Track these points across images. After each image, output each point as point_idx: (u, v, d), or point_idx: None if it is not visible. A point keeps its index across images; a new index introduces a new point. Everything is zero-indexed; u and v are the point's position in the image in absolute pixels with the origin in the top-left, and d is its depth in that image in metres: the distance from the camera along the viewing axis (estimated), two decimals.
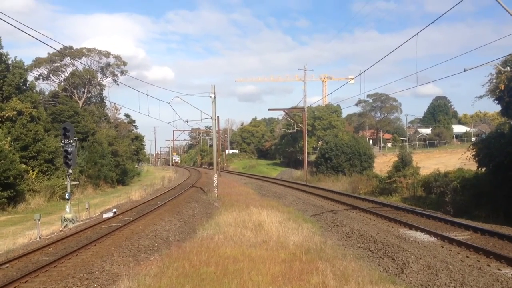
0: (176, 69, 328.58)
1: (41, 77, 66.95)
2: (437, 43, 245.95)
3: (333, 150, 58.29)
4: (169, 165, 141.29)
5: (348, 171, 55.05)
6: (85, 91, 68.01)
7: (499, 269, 12.14)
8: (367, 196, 35.63)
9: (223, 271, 11.57)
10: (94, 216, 26.47)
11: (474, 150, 27.80)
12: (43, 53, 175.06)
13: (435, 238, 16.78)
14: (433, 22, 16.47)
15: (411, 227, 19.19)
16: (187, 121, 43.43)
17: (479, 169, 28.05)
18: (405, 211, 24.88)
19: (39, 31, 19.39)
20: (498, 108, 31.11)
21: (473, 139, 79.03)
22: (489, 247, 14.79)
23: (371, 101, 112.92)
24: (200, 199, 32.35)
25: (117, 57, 70.58)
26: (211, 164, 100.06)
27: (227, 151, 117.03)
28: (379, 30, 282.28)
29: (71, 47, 65.47)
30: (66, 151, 23.73)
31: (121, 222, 21.40)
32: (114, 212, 25.28)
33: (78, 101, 63.92)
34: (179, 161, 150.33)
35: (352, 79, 60.10)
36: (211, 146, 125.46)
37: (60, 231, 21.72)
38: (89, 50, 68.96)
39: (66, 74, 67.48)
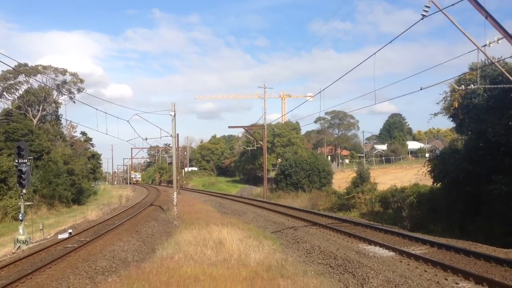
0: (134, 86, 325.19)
1: None
2: (391, 62, 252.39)
3: (292, 167, 58.66)
4: (127, 183, 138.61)
5: (307, 187, 55.46)
6: (40, 109, 66.47)
7: (456, 283, 12.36)
8: (326, 212, 35.91)
9: None
10: (48, 237, 25.69)
11: (430, 166, 28.49)
12: None
13: (394, 253, 17.00)
14: (390, 42, 16.87)
15: (370, 242, 19.40)
16: (146, 139, 42.98)
17: (435, 184, 28.73)
18: (364, 226, 25.17)
19: None
20: (451, 125, 32.05)
21: (427, 155, 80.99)
22: (446, 261, 15.07)
23: (329, 118, 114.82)
24: (159, 218, 31.88)
25: (73, 75, 69.52)
26: (170, 182, 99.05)
27: (186, 169, 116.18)
28: (336, 50, 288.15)
29: (26, 65, 64.02)
30: (20, 170, 23.05)
31: (77, 243, 20.82)
32: (70, 233, 24.60)
33: (33, 119, 62.38)
34: (139, 179, 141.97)
35: (311, 97, 60.84)
36: (170, 163, 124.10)
37: (13, 253, 20.98)
38: (44, 67, 67.65)
39: (21, 92, 65.94)
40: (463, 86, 22.23)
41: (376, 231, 23.09)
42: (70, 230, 25.58)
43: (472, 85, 21.26)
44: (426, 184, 32.04)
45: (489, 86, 23.91)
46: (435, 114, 32.35)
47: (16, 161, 23.44)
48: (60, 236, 23.99)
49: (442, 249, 17.30)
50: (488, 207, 22.95)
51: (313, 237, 21.69)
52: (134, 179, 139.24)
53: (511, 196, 20.70)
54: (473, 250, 16.69)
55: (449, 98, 29.54)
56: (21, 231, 22.91)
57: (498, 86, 22.36)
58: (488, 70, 26.14)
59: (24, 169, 23.03)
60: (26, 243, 22.49)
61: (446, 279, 12.76)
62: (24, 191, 24.05)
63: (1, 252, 21.68)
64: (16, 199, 36.54)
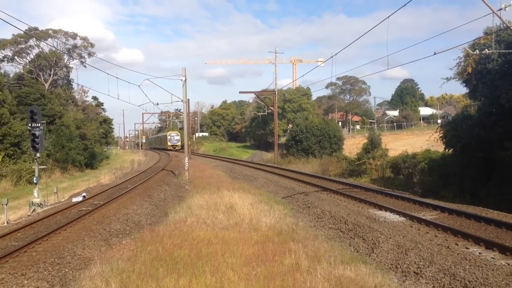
0: (145, 51, 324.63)
1: (6, 59, 65.38)
2: (404, 27, 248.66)
3: (303, 133, 58.69)
4: (139, 148, 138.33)
5: (318, 153, 55.58)
6: (52, 73, 66.59)
7: (466, 248, 12.45)
8: (337, 178, 36.01)
9: (197, 254, 11.58)
10: (63, 200, 26.09)
11: (442, 131, 28.35)
12: (7, 34, 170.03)
13: (404, 218, 17.08)
14: (403, 6, 16.52)
15: (380, 207, 19.47)
16: (157, 104, 42.89)
17: (446, 150, 28.65)
18: (375, 192, 25.22)
19: (3, 11, 18.78)
20: (463, 90, 31.87)
21: (439, 121, 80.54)
22: (456, 226, 15.13)
23: (340, 84, 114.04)
24: (171, 182, 32.18)
25: (84, 39, 69.31)
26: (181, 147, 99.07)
27: (197, 134, 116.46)
28: (347, 14, 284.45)
29: (36, 28, 63.82)
30: (33, 134, 23.24)
31: (91, 206, 21.13)
32: (84, 196, 24.95)
33: (44, 84, 62.63)
34: (178, 143, 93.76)
35: (322, 62, 60.24)
36: (181, 129, 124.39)
37: (29, 215, 21.35)
38: (55, 31, 67.43)
39: (32, 56, 66.06)
40: (477, 51, 21.96)
41: (387, 197, 23.15)
42: (84, 194, 25.94)
43: (486, 50, 20.99)
44: (438, 150, 31.95)
45: (504, 51, 23.56)
46: (448, 79, 32.11)
47: (30, 125, 23.59)
48: (74, 200, 24.36)
49: (453, 215, 17.35)
50: (499, 173, 22.89)
51: (324, 202, 21.82)
52: (169, 143, 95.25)
53: None
54: (484, 215, 16.72)
55: (462, 63, 29.24)
56: (35, 194, 23.25)
57: None
58: (503, 34, 25.73)
59: (37, 133, 23.22)
60: (41, 206, 22.86)
61: (457, 244, 12.85)
62: (38, 155, 24.32)
63: (17, 215, 22.06)
64: (30, 162, 37.01)
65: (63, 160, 47.31)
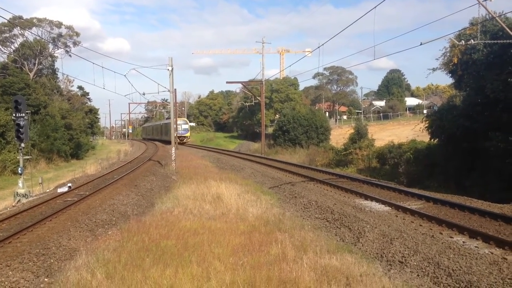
0: (131, 41, 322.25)
1: None
2: (391, 17, 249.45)
3: (290, 123, 58.68)
4: (125, 138, 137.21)
5: (305, 143, 55.60)
6: (36, 62, 65.88)
7: (451, 237, 12.58)
8: (324, 168, 36.11)
9: (183, 244, 11.58)
10: (48, 190, 25.88)
11: (427, 122, 28.49)
12: None
13: (390, 208, 17.20)
14: None
15: (366, 197, 19.58)
16: (143, 94, 42.60)
17: (432, 140, 28.81)
18: (361, 182, 25.36)
19: None
20: (449, 80, 32.01)
21: (425, 111, 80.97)
22: (441, 215, 15.28)
23: (327, 74, 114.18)
24: (157, 173, 32.06)
25: (69, 28, 68.66)
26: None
27: None
28: (334, 5, 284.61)
29: (20, 17, 63.01)
30: (18, 124, 23.04)
31: (77, 197, 20.98)
32: (69, 187, 24.76)
33: (29, 73, 61.94)
34: (187, 133, 75.55)
35: (309, 52, 60.22)
36: (167, 119, 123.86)
37: (13, 206, 21.17)
38: (39, 20, 66.69)
39: (16, 45, 65.26)
40: (463, 41, 22.05)
41: (373, 187, 23.29)
42: (69, 184, 25.75)
43: (472, 40, 21.07)
44: (423, 141, 32.15)
45: (489, 41, 23.71)
46: (434, 69, 32.26)
47: (14, 115, 23.38)
48: (60, 190, 24.16)
49: (438, 204, 17.50)
50: (484, 163, 23.09)
51: (310, 192, 21.90)
52: (178, 135, 66.04)
53: (507, 152, 20.82)
54: (468, 205, 16.89)
55: (448, 54, 29.35)
56: (20, 184, 23.08)
57: (498, 41, 22.17)
58: (489, 25, 25.86)
59: (22, 123, 23.01)
60: (26, 196, 22.69)
61: (441, 233, 12.97)
62: (22, 145, 24.10)
63: (1, 205, 21.89)
64: (14, 153, 36.67)
65: (48, 150, 46.92)
